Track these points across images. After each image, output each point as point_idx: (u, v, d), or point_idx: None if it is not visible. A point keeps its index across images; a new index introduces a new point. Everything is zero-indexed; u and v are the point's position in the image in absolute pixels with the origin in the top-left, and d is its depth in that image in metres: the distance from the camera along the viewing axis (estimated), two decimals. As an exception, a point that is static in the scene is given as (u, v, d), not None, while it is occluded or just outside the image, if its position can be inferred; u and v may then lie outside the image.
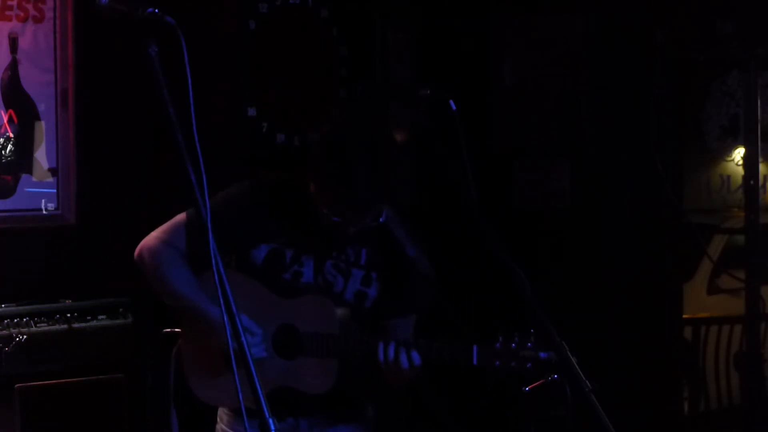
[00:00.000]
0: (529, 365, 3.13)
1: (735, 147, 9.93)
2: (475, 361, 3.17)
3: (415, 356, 3.16)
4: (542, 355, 3.13)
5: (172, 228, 3.30)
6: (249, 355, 2.22)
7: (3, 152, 4.84)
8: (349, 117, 3.34)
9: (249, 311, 3.18)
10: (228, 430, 3.43)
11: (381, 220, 3.26)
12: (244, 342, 2.23)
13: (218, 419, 3.48)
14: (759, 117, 4.50)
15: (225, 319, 2.23)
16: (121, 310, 4.72)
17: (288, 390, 3.23)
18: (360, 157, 3.11)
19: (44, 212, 4.95)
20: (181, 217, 3.29)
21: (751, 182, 4.47)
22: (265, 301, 3.25)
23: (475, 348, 3.17)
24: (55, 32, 4.95)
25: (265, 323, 3.24)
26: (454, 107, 3.15)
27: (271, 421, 2.19)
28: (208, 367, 3.26)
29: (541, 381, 2.97)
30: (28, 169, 4.92)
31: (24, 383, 4.41)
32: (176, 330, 3.42)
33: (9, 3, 4.82)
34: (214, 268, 2.25)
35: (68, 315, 4.58)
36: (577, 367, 2.86)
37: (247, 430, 2.29)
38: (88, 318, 4.62)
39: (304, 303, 3.27)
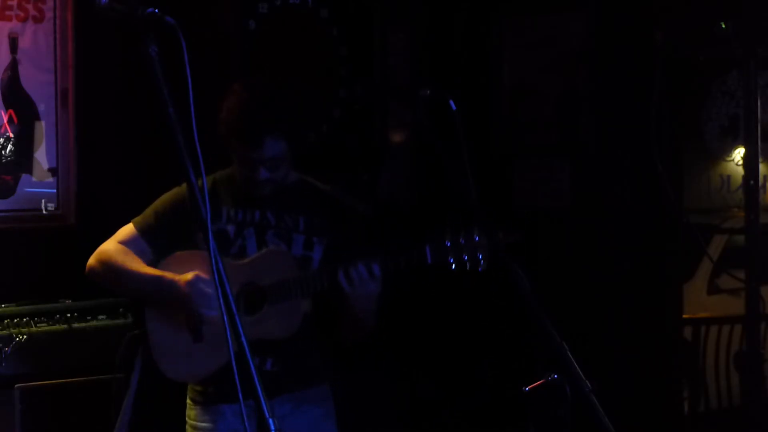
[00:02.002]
0: (480, 255, 3.35)
1: (735, 147, 9.92)
2: (429, 260, 3.37)
3: (375, 267, 3.35)
4: (487, 241, 3.35)
5: (120, 234, 3.59)
6: (249, 355, 2.22)
7: (3, 152, 4.84)
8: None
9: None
10: (197, 423, 3.51)
11: (292, 178, 3.51)
12: (244, 342, 2.23)
13: (186, 417, 3.56)
14: (759, 117, 4.50)
15: (225, 319, 2.23)
16: (121, 310, 4.72)
17: (260, 342, 3.35)
18: (245, 96, 3.41)
19: (44, 212, 4.95)
20: (128, 227, 3.60)
21: (751, 182, 4.47)
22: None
23: (427, 248, 3.36)
24: (55, 32, 4.95)
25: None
26: (454, 107, 3.15)
27: (271, 421, 2.19)
28: (178, 342, 3.43)
29: (541, 381, 2.97)
30: (28, 169, 4.92)
31: (24, 383, 4.41)
32: (140, 332, 3.53)
33: (9, 3, 4.82)
34: (214, 268, 2.26)
35: (68, 315, 4.59)
36: (577, 367, 2.86)
37: (244, 421, 2.28)
38: (88, 318, 4.62)
39: (260, 259, 3.46)
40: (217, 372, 3.37)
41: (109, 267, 3.53)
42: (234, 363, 2.24)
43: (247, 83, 3.50)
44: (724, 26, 4.32)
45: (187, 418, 3.61)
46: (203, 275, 3.36)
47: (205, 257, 3.31)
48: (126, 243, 3.56)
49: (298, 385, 3.54)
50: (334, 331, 3.59)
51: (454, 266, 3.37)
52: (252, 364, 2.23)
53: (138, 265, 3.49)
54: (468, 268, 3.38)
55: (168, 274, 3.43)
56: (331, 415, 3.65)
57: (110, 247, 3.57)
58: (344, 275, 3.35)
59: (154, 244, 3.55)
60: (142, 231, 3.57)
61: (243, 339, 2.24)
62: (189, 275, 3.38)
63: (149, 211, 3.61)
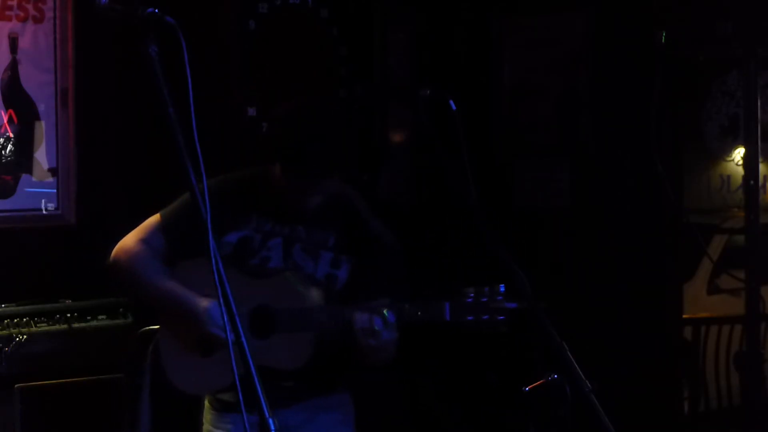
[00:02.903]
0: (501, 318, 3.22)
1: (735, 147, 9.92)
2: (447, 317, 3.24)
3: (390, 315, 3.22)
4: (510, 305, 3.22)
5: (145, 228, 3.41)
6: (249, 355, 2.22)
7: (3, 152, 4.84)
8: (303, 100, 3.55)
9: None
10: (213, 429, 3.46)
11: (332, 189, 3.35)
12: (244, 342, 2.23)
13: (204, 420, 3.51)
14: (759, 117, 4.50)
15: (225, 319, 2.23)
16: (121, 310, 4.72)
17: (263, 369, 3.25)
18: (307, 129, 3.25)
19: (44, 212, 4.95)
20: (154, 218, 3.41)
21: (751, 182, 4.48)
22: (236, 284, 3.26)
23: (446, 305, 3.23)
24: (55, 32, 4.95)
25: (238, 306, 3.25)
26: (454, 107, 3.15)
27: (270, 421, 2.19)
28: (188, 356, 3.33)
29: (541, 381, 2.97)
30: (28, 169, 4.92)
31: (24, 383, 4.41)
32: (153, 328, 3.47)
33: (9, 3, 4.82)
34: (214, 268, 2.26)
35: (68, 315, 4.59)
36: (577, 367, 2.86)
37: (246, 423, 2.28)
38: (88, 318, 4.62)
39: (278, 282, 3.33)
40: (229, 386, 3.22)
41: (128, 270, 3.39)
42: (234, 364, 2.23)
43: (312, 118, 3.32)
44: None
45: (204, 421, 3.53)
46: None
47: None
48: (147, 239, 3.38)
49: (316, 394, 3.43)
50: (339, 366, 3.46)
51: (472, 327, 3.25)
52: (253, 366, 2.22)
53: (157, 276, 3.34)
54: (484, 329, 3.25)
55: (185, 294, 3.29)
56: (350, 421, 3.56)
57: (133, 245, 3.39)
58: (358, 318, 3.22)
59: (173, 243, 3.37)
60: (163, 227, 3.38)
61: (243, 339, 2.23)
62: (206, 302, 3.25)
63: (177, 204, 3.39)
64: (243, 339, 2.23)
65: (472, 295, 3.24)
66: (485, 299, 3.23)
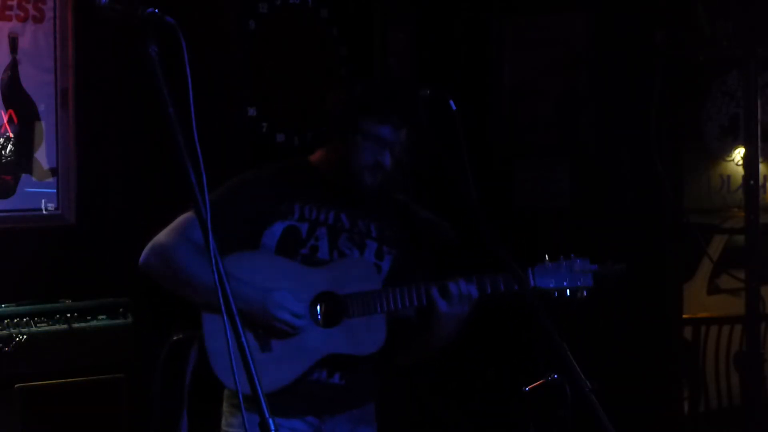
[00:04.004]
0: (580, 282, 3.27)
1: (735, 147, 9.91)
2: (533, 283, 3.23)
3: (472, 289, 3.21)
4: (593, 267, 3.30)
5: (183, 223, 3.24)
6: (249, 356, 2.22)
7: (3, 152, 4.84)
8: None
9: (285, 286, 3.18)
10: (227, 429, 3.41)
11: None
12: (244, 343, 2.23)
13: (225, 425, 3.40)
14: (759, 117, 4.50)
15: (225, 318, 2.23)
16: (121, 310, 4.71)
17: (337, 357, 3.21)
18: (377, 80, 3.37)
19: (44, 212, 4.95)
20: (187, 214, 3.24)
21: (751, 182, 4.48)
22: (296, 274, 3.24)
23: (529, 270, 3.24)
24: (55, 32, 4.94)
25: (300, 295, 3.22)
26: (454, 107, 3.15)
27: (270, 421, 2.19)
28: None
29: (541, 381, 2.97)
30: (28, 169, 4.92)
31: (24, 383, 4.41)
32: (184, 336, 3.34)
33: (9, 3, 4.82)
34: (214, 268, 2.25)
35: (68, 315, 4.58)
36: (577, 367, 2.86)
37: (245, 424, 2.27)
38: (88, 318, 4.62)
39: (338, 267, 3.27)
40: (282, 388, 3.17)
41: (174, 267, 3.20)
42: (233, 364, 2.22)
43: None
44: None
45: (225, 426, 3.39)
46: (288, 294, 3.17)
47: (269, 261, 3.19)
48: (188, 236, 3.19)
49: (359, 401, 3.37)
50: (402, 352, 3.42)
51: (556, 293, 3.25)
52: (252, 366, 2.22)
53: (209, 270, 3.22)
54: (567, 296, 3.26)
55: (246, 285, 3.14)
56: None
57: (174, 242, 3.21)
58: (440, 292, 3.20)
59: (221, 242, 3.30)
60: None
61: (243, 340, 2.23)
62: (272, 290, 3.17)
63: (216, 196, 3.16)
64: (243, 339, 2.22)
65: (548, 259, 3.29)
66: (566, 263, 3.28)
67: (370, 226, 3.37)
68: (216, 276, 2.25)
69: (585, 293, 3.29)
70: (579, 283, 3.29)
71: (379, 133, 3.25)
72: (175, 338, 3.39)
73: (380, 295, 3.22)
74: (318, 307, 3.23)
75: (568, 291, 3.28)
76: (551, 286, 3.26)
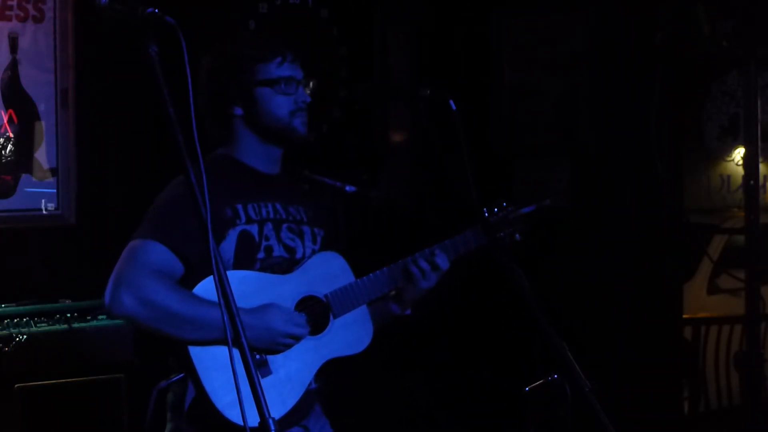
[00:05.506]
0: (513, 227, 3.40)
1: (735, 147, 9.92)
2: (483, 240, 3.31)
3: (442, 259, 3.26)
4: (525, 210, 3.46)
5: (137, 252, 2.99)
6: (249, 357, 2.22)
7: (3, 152, 4.84)
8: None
9: (265, 301, 3.02)
10: None
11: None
12: (244, 343, 2.23)
13: None
14: (759, 117, 4.50)
15: (225, 318, 2.23)
16: (121, 310, 4.71)
17: (334, 361, 3.12)
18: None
19: (44, 212, 4.95)
20: (134, 242, 3.02)
21: (751, 182, 4.48)
22: (270, 285, 3.08)
23: (474, 229, 3.32)
24: (55, 32, 4.94)
25: (282, 304, 3.07)
26: (454, 107, 3.15)
27: (270, 421, 2.19)
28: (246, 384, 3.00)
29: (541, 381, 2.97)
30: (28, 169, 4.92)
31: (24, 383, 4.41)
32: (168, 381, 3.06)
33: (9, 3, 4.82)
34: (214, 268, 2.25)
35: (68, 315, 4.58)
36: (577, 367, 2.86)
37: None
38: (88, 318, 4.61)
39: (309, 269, 3.14)
40: (293, 408, 3.05)
41: (161, 312, 2.92)
42: (233, 366, 2.22)
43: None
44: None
45: None
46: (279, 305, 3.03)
47: (240, 278, 2.97)
48: (158, 270, 2.94)
49: (330, 400, 3.29)
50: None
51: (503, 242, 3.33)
52: (253, 366, 2.22)
53: (197, 303, 2.92)
54: (513, 242, 3.37)
55: (240, 311, 2.66)
56: None
57: (147, 280, 2.93)
58: (413, 265, 3.21)
59: (187, 261, 2.98)
60: (173, 247, 2.97)
61: (243, 340, 2.23)
62: (267, 306, 3.02)
63: (166, 219, 3.00)
64: (243, 340, 2.22)
65: (487, 214, 3.36)
66: (502, 213, 3.41)
67: (300, 210, 3.23)
68: (216, 276, 2.25)
69: (518, 237, 3.41)
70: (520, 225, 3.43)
71: (281, 73, 3.10)
72: (162, 385, 3.09)
73: (358, 286, 3.16)
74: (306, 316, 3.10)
75: (512, 235, 3.41)
76: (500, 236, 3.37)
